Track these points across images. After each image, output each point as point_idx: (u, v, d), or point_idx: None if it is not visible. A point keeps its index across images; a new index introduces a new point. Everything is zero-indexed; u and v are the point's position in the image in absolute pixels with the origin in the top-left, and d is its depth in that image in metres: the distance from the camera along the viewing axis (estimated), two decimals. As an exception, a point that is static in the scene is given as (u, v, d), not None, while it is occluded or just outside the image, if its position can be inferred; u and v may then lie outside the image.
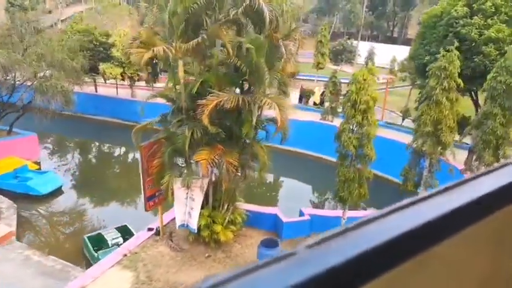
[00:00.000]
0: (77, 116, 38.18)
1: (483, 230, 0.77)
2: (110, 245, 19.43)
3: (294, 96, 48.97)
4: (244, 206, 19.30)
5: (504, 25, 23.44)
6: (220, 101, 12.79)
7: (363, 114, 15.92)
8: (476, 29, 24.02)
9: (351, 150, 16.01)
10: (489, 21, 23.91)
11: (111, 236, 20.07)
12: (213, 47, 14.14)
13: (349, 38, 66.93)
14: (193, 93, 13.80)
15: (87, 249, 19.66)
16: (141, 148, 15.86)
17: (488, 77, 19.11)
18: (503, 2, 24.03)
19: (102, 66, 38.85)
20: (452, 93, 17.00)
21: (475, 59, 23.77)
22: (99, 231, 20.76)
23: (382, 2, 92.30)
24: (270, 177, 34.13)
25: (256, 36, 13.77)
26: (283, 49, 13.49)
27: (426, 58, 26.12)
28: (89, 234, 20.51)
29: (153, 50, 12.01)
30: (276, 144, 37.46)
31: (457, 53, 17.45)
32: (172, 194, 15.41)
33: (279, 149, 37.80)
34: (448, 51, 17.62)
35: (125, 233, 20.36)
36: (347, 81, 54.47)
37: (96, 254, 18.73)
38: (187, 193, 15.76)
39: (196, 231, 16.26)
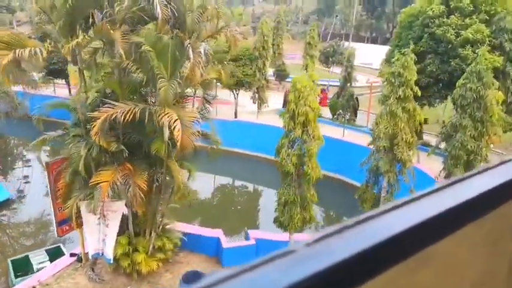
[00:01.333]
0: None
1: (480, 228, 0.78)
2: (36, 270, 17.37)
3: (278, 100, 47.00)
4: (182, 227, 17.21)
5: (484, 25, 21.11)
6: (112, 114, 10.70)
7: (302, 127, 13.74)
8: (453, 29, 21.69)
9: (290, 169, 13.83)
10: (467, 20, 21.57)
11: (38, 259, 17.99)
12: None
13: (340, 40, 64.69)
14: (89, 103, 11.77)
15: (9, 274, 17.65)
16: (48, 166, 13.84)
17: (458, 83, 16.82)
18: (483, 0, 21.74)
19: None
20: (409, 103, 14.71)
21: (452, 63, 21.46)
22: (27, 253, 18.74)
23: (381, 3, 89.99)
24: (232, 187, 32.03)
25: (158, 37, 11.68)
26: (191, 52, 11.36)
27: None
28: (15, 257, 18.50)
29: (15, 52, 9.97)
30: (246, 150, 35.73)
31: (413, 56, 15.13)
32: (78, 219, 13.37)
33: (248, 155, 35.94)
34: (403, 54, 15.33)
35: (57, 255, 18.30)
36: (337, 83, 52.31)
37: (14, 281, 16.71)
38: (98, 218, 13.72)
39: (111, 261, 14.18)
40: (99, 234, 13.96)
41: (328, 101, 39.74)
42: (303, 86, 13.47)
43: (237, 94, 38.10)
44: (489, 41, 20.96)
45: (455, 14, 22.01)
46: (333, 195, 24.85)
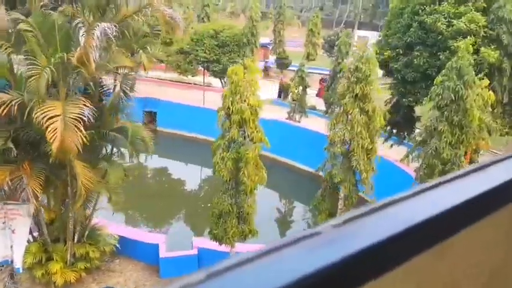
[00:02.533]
0: None
1: (498, 220, 0.77)
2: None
3: (273, 90, 44.65)
4: (120, 231, 15.58)
5: (480, 14, 18.50)
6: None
7: (238, 127, 11.76)
8: (444, 18, 19.12)
9: (224, 175, 11.92)
10: (462, 8, 18.97)
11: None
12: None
13: (346, 28, 61.59)
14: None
15: None
16: None
17: (436, 80, 14.48)
18: (482, -16, 19.05)
19: None
20: (369, 103, 12.52)
21: (441, 56, 18.97)
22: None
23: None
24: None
25: (45, 14, 9.78)
26: (81, 34, 9.46)
27: (386, 53, 21.40)
28: None
29: None
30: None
31: (375, 48, 12.86)
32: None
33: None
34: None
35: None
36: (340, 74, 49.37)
37: None
38: (3, 222, 12.17)
39: (21, 270, 12.68)
40: (6, 239, 12.43)
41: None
42: (240, 78, 11.45)
43: (225, 82, 36.15)
44: (485, 32, 18.34)
45: (449, 1, 19.40)
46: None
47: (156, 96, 37.71)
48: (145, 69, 12.64)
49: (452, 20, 18.79)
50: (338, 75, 33.35)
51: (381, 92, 12.72)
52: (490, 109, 18.46)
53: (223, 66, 33.51)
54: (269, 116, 32.68)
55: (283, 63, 55.10)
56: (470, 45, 14.44)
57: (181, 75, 34.93)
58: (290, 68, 51.88)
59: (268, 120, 32.96)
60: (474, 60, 17.69)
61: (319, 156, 15.42)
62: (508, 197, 0.75)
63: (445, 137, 13.94)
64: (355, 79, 12.39)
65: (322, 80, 44.90)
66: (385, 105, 25.44)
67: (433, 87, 14.31)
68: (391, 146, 22.83)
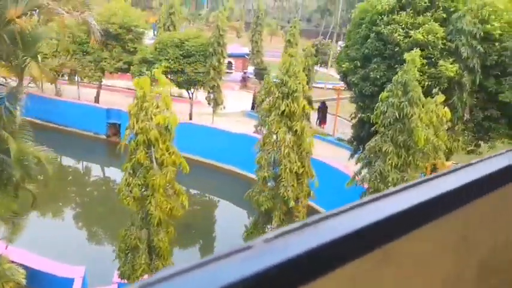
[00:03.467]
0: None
1: (448, 225, 0.79)
2: None
3: (247, 101, 43.25)
4: (29, 260, 13.82)
5: (438, 25, 17.32)
6: None
7: (146, 148, 10.23)
8: (402, 28, 17.93)
9: (129, 204, 10.36)
10: (420, 18, 17.79)
11: None
12: None
13: (324, 39, 60.92)
14: None
15: None
16: None
17: (381, 96, 13.15)
18: (442, -6, 17.92)
19: None
20: (297, 122, 11.09)
21: (398, 69, 17.71)
22: None
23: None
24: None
25: None
26: None
27: (344, 65, 20.13)
28: None
29: None
30: (202, 158, 32.26)
31: (302, 59, 11.48)
32: None
33: (204, 163, 32.50)
34: (291, 56, 11.64)
35: None
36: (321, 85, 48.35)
37: None
38: None
39: None
40: None
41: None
42: (147, 92, 9.95)
43: (192, 93, 34.69)
44: (443, 44, 17.13)
45: (408, 10, 18.23)
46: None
47: (121, 108, 36.18)
48: (35, 81, 11.06)
49: (410, 31, 17.58)
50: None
51: (308, 109, 11.29)
52: (448, 126, 17.21)
53: (187, 76, 32.09)
54: (240, 129, 31.44)
55: (261, 73, 53.96)
56: (418, 58, 13.12)
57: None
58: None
59: (236, 135, 31.77)
60: (431, 74, 16.47)
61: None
62: (449, 206, 0.78)
63: (389, 159, 12.53)
64: (281, 94, 10.97)
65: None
66: (351, 119, 24.19)
67: (378, 103, 12.96)
68: (356, 162, 21.49)
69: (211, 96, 33.38)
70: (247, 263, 0.52)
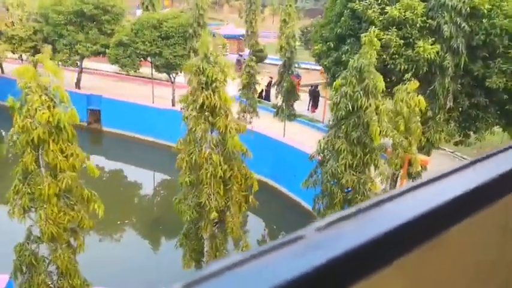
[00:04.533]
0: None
1: (491, 216, 0.76)
2: None
3: (235, 87, 41.21)
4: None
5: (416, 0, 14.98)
6: None
7: (33, 150, 8.53)
8: (378, 4, 15.70)
9: (17, 216, 8.74)
10: None
11: None
12: None
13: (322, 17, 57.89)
14: None
15: None
16: None
17: (335, 84, 11.13)
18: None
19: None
20: (221, 118, 9.17)
21: None
22: None
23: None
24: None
25: None
26: None
27: (317, 47, 17.98)
28: None
29: None
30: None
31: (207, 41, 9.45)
32: None
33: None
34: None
35: None
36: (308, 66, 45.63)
37: None
38: None
39: None
40: None
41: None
42: (29, 82, 8.19)
43: (174, 78, 32.79)
44: (422, 22, 14.85)
45: (385, -17, 15.91)
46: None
47: (100, 92, 34.55)
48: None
49: (387, 7, 15.32)
50: (288, 70, 30.13)
51: (230, 102, 9.40)
52: (429, 116, 15.15)
53: (165, 60, 30.16)
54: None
55: (258, 55, 51.67)
56: (376, 38, 11.01)
57: (121, 70, 31.60)
58: (267, 61, 48.63)
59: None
60: (408, 57, 14.33)
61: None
62: (500, 192, 0.75)
63: (343, 158, 10.62)
64: (199, 85, 9.08)
65: (295, 76, 41.59)
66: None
67: (331, 93, 10.98)
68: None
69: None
70: (302, 256, 0.49)
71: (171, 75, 32.22)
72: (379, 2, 15.50)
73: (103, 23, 31.61)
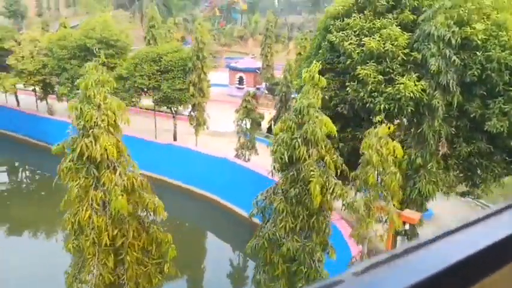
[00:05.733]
0: None
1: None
2: None
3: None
4: None
5: (399, 29, 12.90)
6: None
7: None
8: (355, 35, 13.76)
9: None
10: (378, 22, 13.48)
11: None
12: None
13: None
14: None
15: None
16: None
17: (275, 130, 9.07)
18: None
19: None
20: (105, 171, 7.37)
21: (348, 89, 13.46)
22: None
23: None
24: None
25: None
26: None
27: (296, 82, 16.10)
28: None
29: None
30: (176, 180, 29.17)
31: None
32: None
33: (178, 187, 29.31)
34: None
35: None
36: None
37: None
38: None
39: None
40: None
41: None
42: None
43: (175, 111, 31.82)
44: (406, 54, 12.74)
45: (366, 12, 14.03)
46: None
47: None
48: None
49: (366, 38, 13.37)
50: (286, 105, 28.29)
51: (122, 152, 7.55)
52: (419, 164, 12.81)
53: (163, 94, 29.31)
54: (218, 153, 28.00)
55: (273, 89, 50.53)
56: (317, 71, 9.05)
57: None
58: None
59: (215, 158, 28.40)
60: (389, 95, 12.23)
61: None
62: None
63: (282, 220, 8.51)
64: (81, 131, 7.38)
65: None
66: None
67: (272, 138, 9.02)
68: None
69: (192, 114, 30.29)
70: None
71: (172, 108, 31.34)
72: (357, 32, 13.60)
73: (106, 57, 31.45)
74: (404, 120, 13.65)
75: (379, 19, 13.52)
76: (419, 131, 12.87)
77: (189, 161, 29.88)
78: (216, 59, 59.95)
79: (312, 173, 7.92)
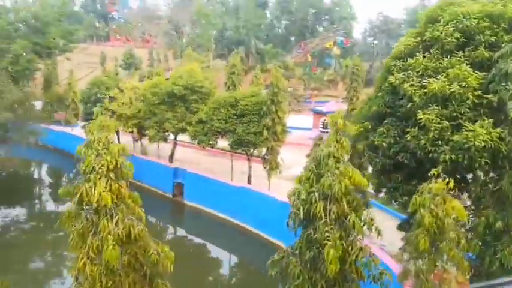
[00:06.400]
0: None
1: None
2: None
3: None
4: None
5: (469, 68, 10.90)
6: None
7: None
8: (417, 76, 12.04)
9: None
10: (445, 61, 11.60)
11: None
12: None
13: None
14: None
15: None
16: None
17: (296, 178, 7.96)
18: (485, 23, 11.55)
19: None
20: (79, 219, 6.95)
21: (407, 135, 11.65)
22: None
23: None
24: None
25: None
26: None
27: (354, 128, 14.72)
28: None
29: None
30: (246, 224, 28.81)
31: None
32: None
33: (247, 230, 28.71)
34: None
35: None
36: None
37: None
38: None
39: None
40: None
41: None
42: None
43: (251, 154, 31.97)
44: (477, 96, 10.72)
45: (432, 51, 12.37)
46: None
47: (189, 165, 35.62)
48: None
49: (429, 79, 11.73)
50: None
51: (121, 200, 7.07)
52: (502, 228, 10.49)
53: (238, 137, 29.75)
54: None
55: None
56: (341, 116, 7.86)
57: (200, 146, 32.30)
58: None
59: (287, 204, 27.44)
60: (456, 144, 10.46)
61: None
62: None
63: (299, 287, 7.28)
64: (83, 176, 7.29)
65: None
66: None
67: (291, 197, 7.99)
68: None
69: (266, 158, 30.05)
70: None
71: (246, 152, 31.58)
72: (421, 73, 12.06)
73: (191, 102, 33.45)
74: (481, 173, 11.39)
75: (447, 57, 11.85)
76: (498, 187, 10.55)
77: (261, 206, 29.39)
78: (300, 103, 60.04)
79: (326, 234, 6.70)
